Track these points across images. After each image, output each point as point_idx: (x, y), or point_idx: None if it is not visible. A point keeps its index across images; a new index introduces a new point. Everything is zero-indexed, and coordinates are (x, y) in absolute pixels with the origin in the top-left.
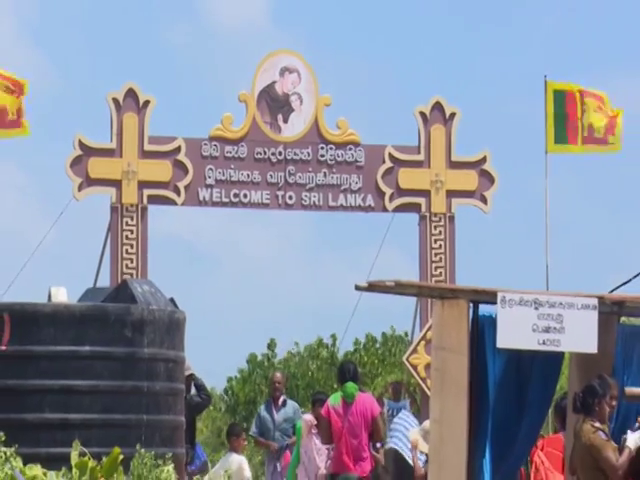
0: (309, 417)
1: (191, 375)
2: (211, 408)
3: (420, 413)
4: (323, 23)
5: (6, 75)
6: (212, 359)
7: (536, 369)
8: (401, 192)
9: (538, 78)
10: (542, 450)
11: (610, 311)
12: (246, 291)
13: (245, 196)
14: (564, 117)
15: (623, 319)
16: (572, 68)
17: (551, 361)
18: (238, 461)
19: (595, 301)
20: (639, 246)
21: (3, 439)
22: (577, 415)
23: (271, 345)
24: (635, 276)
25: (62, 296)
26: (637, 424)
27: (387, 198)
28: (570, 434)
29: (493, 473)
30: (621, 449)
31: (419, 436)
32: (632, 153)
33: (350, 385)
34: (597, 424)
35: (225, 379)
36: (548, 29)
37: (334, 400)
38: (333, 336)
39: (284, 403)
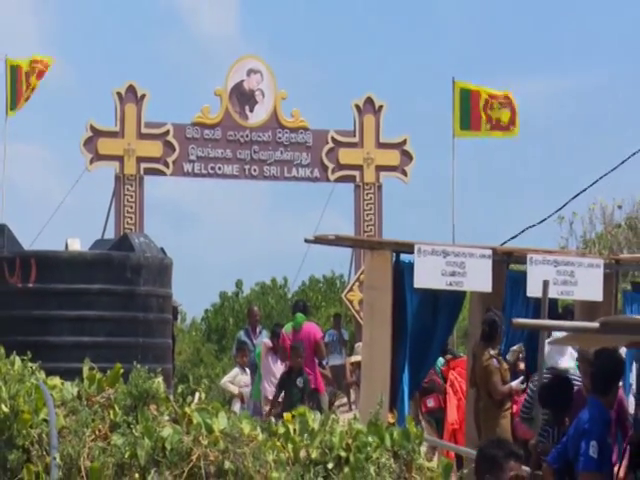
0: (267, 341)
1: (176, 308)
2: (193, 333)
3: (354, 338)
4: (281, 34)
5: (38, 59)
6: (192, 295)
7: (444, 304)
8: (340, 167)
9: (448, 78)
10: (454, 370)
11: (501, 260)
12: (219, 242)
13: (219, 169)
14: (468, 110)
15: (511, 266)
16: (477, 68)
17: (455, 298)
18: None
19: (489, 252)
20: (524, 209)
21: (30, 357)
22: (483, 341)
23: (238, 284)
24: (520, 233)
25: (76, 245)
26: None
27: (329, 171)
28: (470, 356)
29: (410, 383)
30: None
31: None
32: (524, 138)
33: (299, 316)
34: (492, 352)
35: (202, 310)
36: (457, 35)
37: (287, 328)
38: (286, 278)
39: (260, 331)
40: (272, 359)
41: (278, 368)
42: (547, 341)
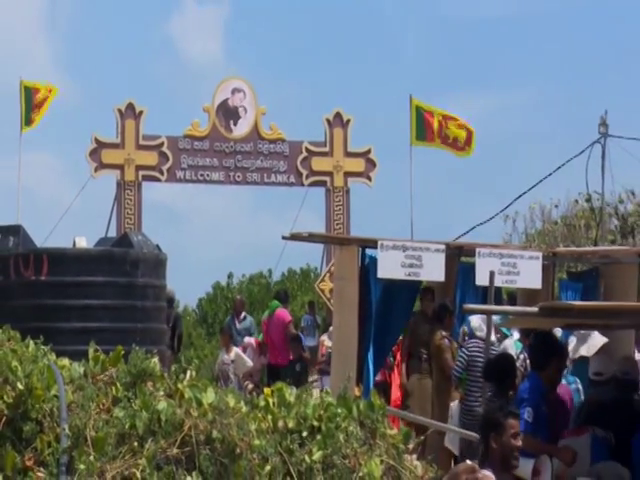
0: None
1: (172, 297)
2: (187, 318)
3: (325, 322)
4: (261, 57)
5: (43, 86)
6: (187, 286)
7: (403, 292)
8: (313, 173)
9: (406, 95)
10: None
11: (453, 253)
12: (210, 240)
13: (207, 176)
14: (423, 123)
15: (462, 258)
16: (431, 85)
17: (413, 287)
18: (236, 352)
19: (443, 246)
20: (473, 209)
21: (42, 340)
22: (431, 324)
23: (230, 276)
24: (470, 229)
25: (83, 243)
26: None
27: (304, 177)
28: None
29: (374, 362)
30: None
31: (325, 337)
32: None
33: (273, 303)
34: (444, 333)
35: (197, 299)
36: (414, 57)
37: (265, 314)
38: (270, 270)
39: (244, 317)
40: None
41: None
42: (477, 316)
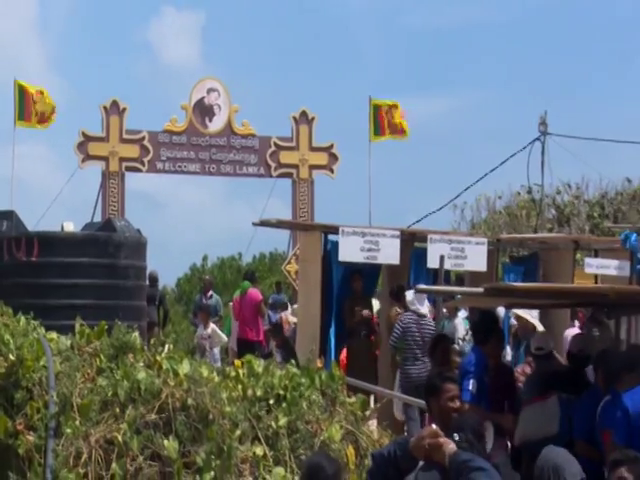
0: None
1: (155, 276)
2: (166, 297)
3: (292, 301)
4: (235, 59)
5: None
6: (167, 267)
7: (371, 272)
8: (281, 166)
9: (366, 95)
10: None
11: (407, 239)
12: (187, 226)
13: (185, 167)
14: (378, 120)
15: (415, 244)
16: (388, 87)
17: (372, 269)
18: (212, 327)
19: (398, 232)
20: (425, 199)
21: (33, 316)
22: (390, 300)
23: (204, 258)
24: (422, 217)
25: (70, 227)
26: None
27: (272, 169)
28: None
29: (336, 337)
30: None
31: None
32: (426, 144)
33: (244, 283)
34: (398, 309)
35: (175, 279)
36: (374, 62)
37: (236, 294)
38: (240, 253)
39: (211, 296)
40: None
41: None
42: (410, 292)
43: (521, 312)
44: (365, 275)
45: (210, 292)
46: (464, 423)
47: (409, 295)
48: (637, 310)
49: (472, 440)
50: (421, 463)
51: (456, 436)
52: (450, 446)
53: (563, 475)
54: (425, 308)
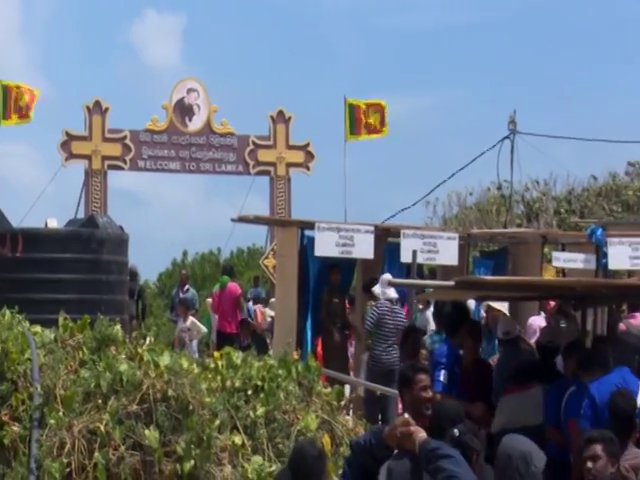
0: (210, 300)
1: (135, 271)
2: (147, 291)
3: (269, 294)
4: (214, 60)
5: (26, 87)
6: (148, 262)
7: (347, 266)
8: (259, 163)
9: (341, 95)
10: None
11: (381, 234)
12: (168, 222)
13: (165, 165)
14: (354, 120)
15: (389, 239)
16: (364, 87)
17: (348, 264)
18: (191, 320)
19: (372, 228)
20: (399, 195)
21: (17, 310)
22: (367, 294)
23: (185, 253)
24: (396, 213)
25: (54, 224)
26: None
27: (250, 167)
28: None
29: (312, 329)
30: None
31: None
32: (400, 141)
33: (224, 278)
34: (372, 302)
35: (157, 274)
36: (349, 62)
37: (215, 287)
38: (219, 248)
39: (187, 290)
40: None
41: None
42: (378, 284)
43: (494, 303)
44: (341, 269)
45: (187, 286)
46: (444, 412)
47: (376, 288)
48: (603, 302)
49: (470, 431)
50: (396, 452)
51: (456, 431)
52: (420, 434)
53: (532, 461)
54: (394, 291)
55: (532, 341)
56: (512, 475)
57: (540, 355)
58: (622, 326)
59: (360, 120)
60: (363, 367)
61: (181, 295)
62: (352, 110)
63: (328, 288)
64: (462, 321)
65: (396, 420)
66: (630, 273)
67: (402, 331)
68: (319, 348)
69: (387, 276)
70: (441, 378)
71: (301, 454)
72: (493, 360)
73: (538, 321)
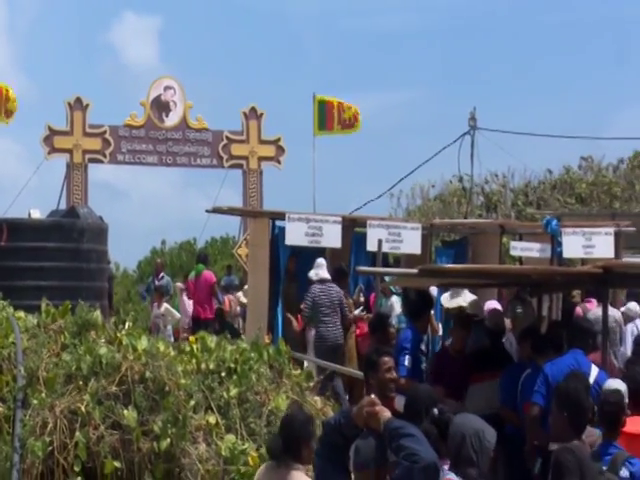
0: (179, 284)
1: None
2: (128, 278)
3: (242, 282)
4: (189, 59)
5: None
6: (129, 250)
7: (306, 256)
8: (232, 157)
9: (310, 92)
10: None
11: (348, 224)
12: (146, 213)
13: (143, 159)
14: (324, 116)
15: (356, 229)
16: (332, 85)
17: (315, 252)
18: (165, 307)
19: (340, 219)
20: (365, 188)
21: (1, 296)
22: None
23: (163, 242)
24: (363, 205)
25: (37, 214)
26: None
27: (224, 161)
28: None
29: (282, 314)
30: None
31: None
32: (367, 136)
33: (199, 266)
34: (342, 291)
35: (137, 262)
36: (318, 60)
37: (191, 275)
38: (195, 238)
39: (162, 277)
40: (185, 297)
41: (189, 303)
42: (313, 269)
43: (448, 303)
44: (310, 258)
45: (162, 274)
46: (419, 396)
47: (311, 272)
48: (557, 289)
49: (451, 410)
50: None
51: (436, 411)
52: (385, 414)
53: (484, 437)
54: (325, 272)
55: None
56: (468, 453)
57: (489, 338)
58: (579, 310)
59: (332, 115)
60: (310, 346)
61: (157, 282)
62: (322, 106)
63: (287, 276)
64: (425, 307)
65: (363, 400)
66: (583, 261)
67: (372, 319)
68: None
69: (320, 260)
70: (405, 363)
71: (290, 420)
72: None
73: (494, 305)
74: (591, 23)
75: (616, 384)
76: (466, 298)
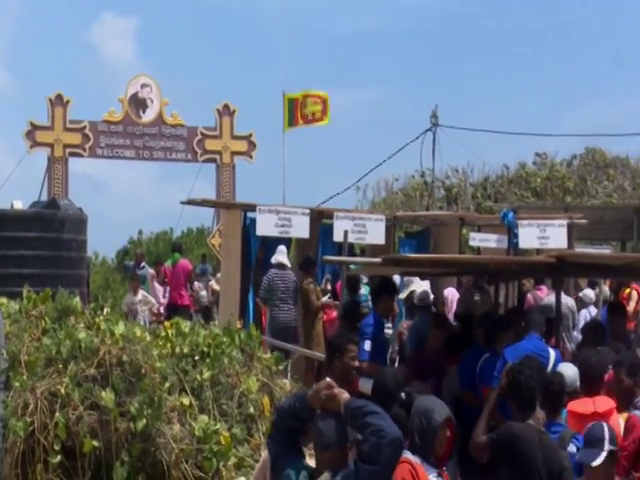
0: (151, 271)
1: None
2: (106, 267)
3: (216, 270)
4: (165, 58)
5: None
6: (107, 240)
7: (274, 244)
8: (206, 152)
9: (280, 90)
10: None
11: (316, 216)
12: (124, 204)
13: (121, 153)
14: (293, 112)
15: (323, 220)
16: (302, 84)
17: (283, 241)
18: (142, 294)
19: (308, 210)
20: (333, 181)
21: None
22: (303, 272)
23: (140, 232)
24: (330, 198)
25: (19, 205)
26: None
27: (199, 155)
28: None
29: (253, 301)
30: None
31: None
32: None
33: (176, 255)
34: (310, 279)
35: (115, 251)
36: (289, 59)
37: (168, 263)
38: (171, 228)
39: (143, 267)
40: (156, 283)
41: (159, 288)
42: (274, 255)
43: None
44: (274, 244)
45: (142, 263)
46: (386, 379)
47: (273, 257)
48: (513, 277)
49: (419, 393)
50: (318, 412)
51: (403, 395)
52: (344, 395)
53: (432, 416)
54: (285, 259)
55: (449, 310)
56: (418, 429)
57: (460, 324)
58: (530, 297)
59: (297, 112)
60: (267, 328)
61: (137, 271)
62: (291, 103)
63: (257, 264)
64: (384, 292)
65: (318, 384)
66: (538, 251)
67: (343, 306)
68: (264, 318)
69: (281, 247)
70: (366, 347)
71: None
72: (402, 325)
73: (452, 292)
74: (545, 26)
75: (567, 368)
76: (417, 284)
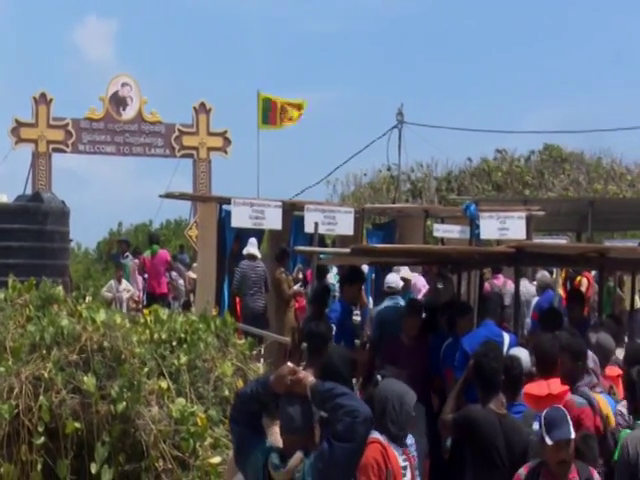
0: (136, 261)
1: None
2: (88, 257)
3: (192, 260)
4: (144, 58)
5: None
6: (89, 232)
7: (248, 235)
8: (183, 148)
9: (255, 89)
10: None
11: (288, 208)
12: (105, 198)
13: (103, 149)
14: (268, 111)
15: (295, 212)
16: (278, 82)
17: (257, 233)
18: (125, 283)
19: (280, 203)
20: (304, 175)
21: None
22: (276, 262)
23: (120, 224)
24: (301, 191)
25: (4, 199)
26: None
27: (176, 151)
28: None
29: (228, 289)
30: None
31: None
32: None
33: (154, 246)
34: (282, 268)
35: (96, 242)
36: (265, 59)
37: (147, 254)
38: (150, 220)
39: (127, 256)
40: (137, 272)
41: (139, 278)
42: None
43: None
44: (249, 235)
45: (127, 253)
46: (335, 356)
47: (244, 250)
48: (475, 267)
49: (394, 375)
50: (284, 397)
51: (379, 377)
52: (310, 379)
53: (406, 400)
54: (256, 250)
55: (417, 296)
56: (391, 413)
57: (426, 313)
58: (487, 285)
59: (274, 113)
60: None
61: (121, 260)
62: (267, 103)
63: (232, 255)
64: (350, 279)
65: (281, 369)
66: (498, 242)
67: (312, 291)
68: (239, 307)
69: (252, 239)
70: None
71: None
72: (372, 312)
73: (420, 280)
74: (508, 28)
75: (520, 352)
76: (403, 273)
